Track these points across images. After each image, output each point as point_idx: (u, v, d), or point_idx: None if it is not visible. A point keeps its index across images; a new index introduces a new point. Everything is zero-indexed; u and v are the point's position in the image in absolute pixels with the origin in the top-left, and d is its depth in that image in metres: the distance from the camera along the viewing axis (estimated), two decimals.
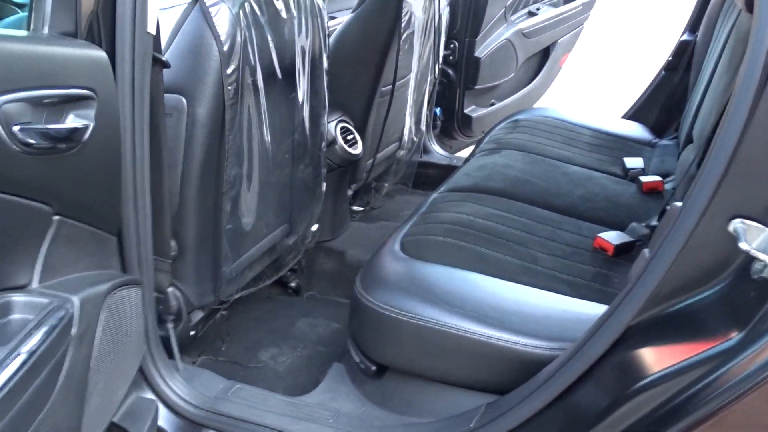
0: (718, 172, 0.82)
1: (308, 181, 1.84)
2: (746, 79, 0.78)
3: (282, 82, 1.59)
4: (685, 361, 0.84)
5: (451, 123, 3.05)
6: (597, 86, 5.08)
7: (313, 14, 1.66)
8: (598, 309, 1.29)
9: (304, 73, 1.65)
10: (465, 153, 3.34)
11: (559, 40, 3.25)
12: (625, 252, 1.55)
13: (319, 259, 2.17)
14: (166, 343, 1.46)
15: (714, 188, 0.83)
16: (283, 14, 1.54)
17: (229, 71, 1.38)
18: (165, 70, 1.27)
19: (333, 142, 2.04)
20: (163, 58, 1.24)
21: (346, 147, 2.07)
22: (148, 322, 1.32)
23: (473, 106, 3.07)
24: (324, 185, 1.92)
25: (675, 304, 0.89)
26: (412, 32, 2.20)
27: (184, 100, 1.36)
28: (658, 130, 2.43)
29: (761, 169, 0.81)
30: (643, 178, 1.87)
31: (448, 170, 2.89)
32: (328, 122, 2.02)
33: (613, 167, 2.04)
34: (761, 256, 0.79)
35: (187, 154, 1.39)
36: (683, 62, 2.35)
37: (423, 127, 2.59)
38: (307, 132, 1.74)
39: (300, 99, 1.67)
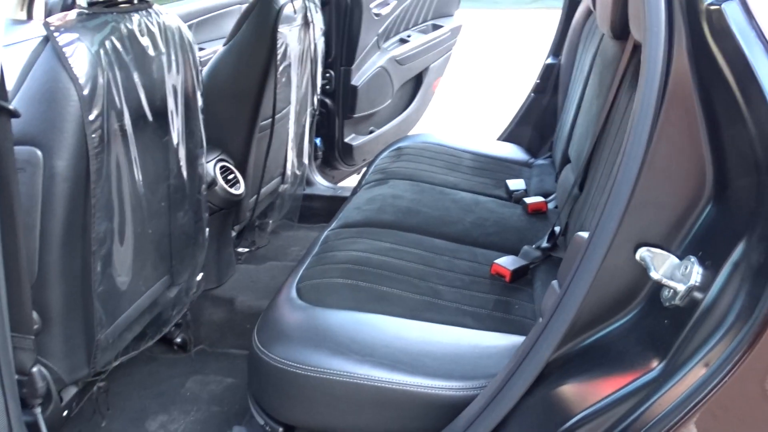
0: (622, 203, 0.82)
1: (189, 228, 1.70)
2: (642, 110, 0.79)
3: (154, 125, 1.45)
4: (611, 395, 0.83)
5: (332, 153, 3.00)
6: (469, 109, 5.28)
7: (183, 49, 1.54)
8: (505, 339, 1.28)
9: (177, 114, 1.53)
10: (348, 182, 3.31)
11: (431, 66, 3.32)
12: (521, 276, 1.56)
13: (205, 310, 2.01)
14: (34, 430, 1.27)
15: (619, 219, 0.83)
16: (150, 51, 1.41)
17: (91, 117, 1.23)
18: (14, 120, 1.10)
19: (213, 183, 1.91)
20: (10, 107, 1.08)
21: (227, 188, 1.95)
22: (9, 412, 1.13)
23: (353, 135, 3.04)
24: (207, 231, 1.78)
25: (592, 335, 0.89)
26: (289, 64, 2.13)
27: (39, 153, 1.19)
28: (532, 151, 2.53)
29: (661, 196, 0.82)
30: (527, 200, 1.92)
31: (333, 202, 2.84)
32: (207, 162, 1.89)
33: (498, 190, 2.08)
34: (670, 283, 0.80)
35: (45, 213, 1.22)
36: (550, 85, 2.46)
37: (306, 160, 2.52)
38: (185, 176, 1.60)
39: (175, 141, 1.54)
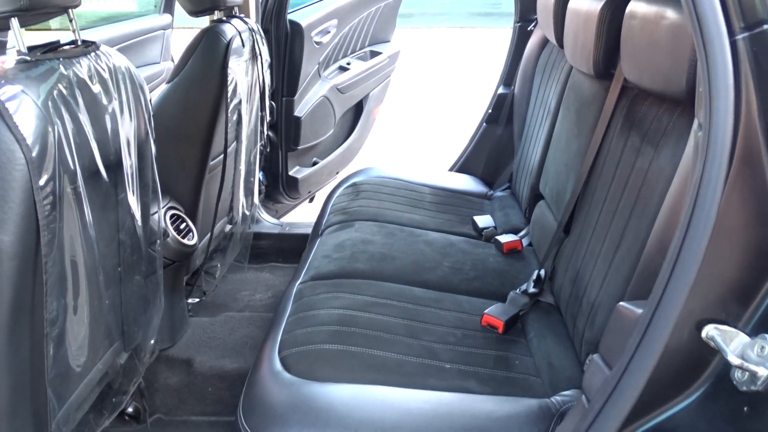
0: (688, 277, 0.76)
1: (144, 290, 1.51)
2: (710, 177, 0.73)
3: (107, 181, 1.27)
4: None
5: (276, 187, 2.85)
6: (411, 137, 5.23)
7: (135, 93, 1.37)
8: (516, 404, 1.20)
9: (131, 166, 1.35)
10: (292, 216, 3.17)
11: (371, 93, 3.24)
12: (513, 324, 1.49)
13: (160, 374, 1.82)
14: None
15: (685, 294, 0.76)
16: (103, 99, 1.24)
17: (41, 182, 1.05)
18: None
19: (164, 235, 1.73)
20: None
21: (179, 239, 1.77)
22: None
23: (297, 167, 2.91)
24: (162, 293, 1.60)
25: (651, 419, 0.81)
26: (240, 101, 1.98)
27: None
28: (487, 181, 2.49)
29: (729, 269, 0.76)
30: (501, 239, 1.86)
31: (282, 240, 2.70)
32: (155, 213, 1.71)
33: (466, 227, 2.01)
34: (750, 367, 0.73)
35: None
36: (503, 115, 2.44)
37: (256, 200, 2.36)
38: (139, 234, 1.43)
39: (129, 197, 1.36)
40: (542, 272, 1.60)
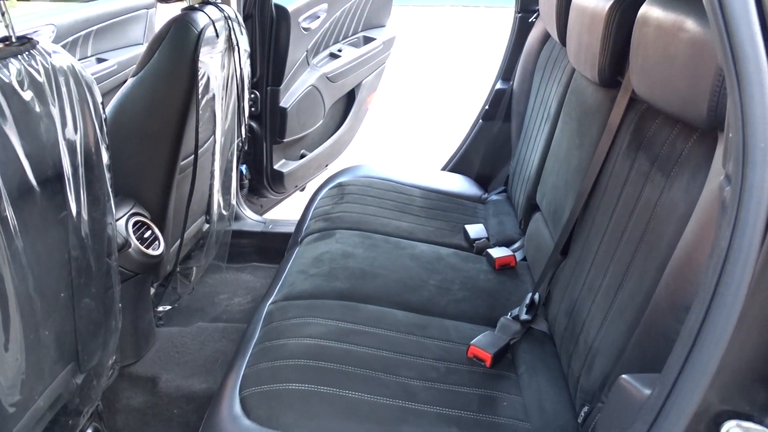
0: (709, 367, 0.62)
1: (97, 314, 1.37)
2: (739, 253, 0.58)
3: (44, 200, 1.13)
4: None
5: (260, 181, 2.70)
6: (404, 129, 5.01)
7: (81, 95, 1.21)
8: None
9: (77, 179, 1.20)
10: (278, 212, 3.02)
11: (364, 81, 3.07)
12: (502, 356, 1.35)
13: (122, 393, 1.69)
14: None
15: (704, 385, 0.62)
16: (36, 106, 1.08)
17: None
18: None
19: (125, 245, 1.58)
20: None
21: (143, 249, 1.63)
22: None
23: (283, 161, 2.75)
24: (119, 309, 1.46)
25: None
26: (213, 96, 1.82)
27: None
28: (482, 182, 2.34)
29: (755, 356, 0.62)
30: (493, 253, 1.71)
31: (264, 239, 2.55)
32: (117, 220, 1.57)
33: (456, 237, 1.87)
34: None
35: None
36: (501, 111, 2.28)
37: (233, 200, 2.21)
38: (90, 254, 1.28)
39: (74, 213, 1.21)
40: (536, 297, 1.46)
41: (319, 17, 2.64)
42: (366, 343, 1.30)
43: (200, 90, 1.72)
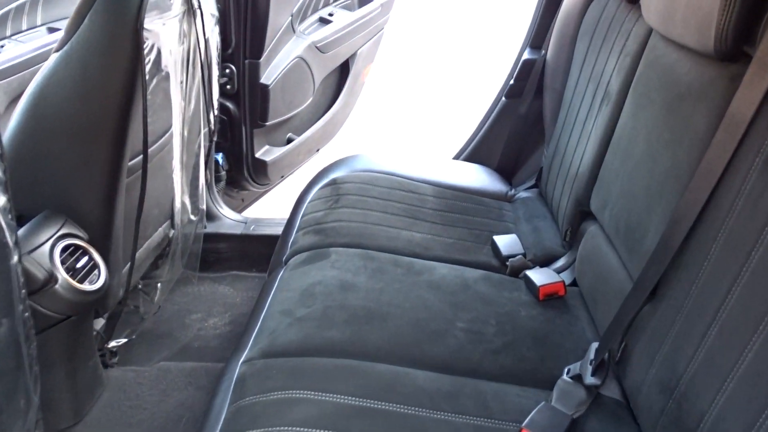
0: None
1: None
2: None
3: None
4: None
5: (239, 171, 2.29)
6: (408, 109, 4.48)
7: None
8: None
9: None
10: (262, 208, 2.62)
11: (359, 51, 2.64)
12: None
13: None
14: None
15: None
16: None
17: None
18: None
19: (49, 281, 1.18)
20: None
21: (75, 283, 1.22)
22: None
23: (266, 147, 2.34)
24: (36, 376, 1.07)
25: None
26: (166, 74, 1.40)
27: None
28: (506, 175, 1.94)
29: None
30: (536, 279, 1.32)
31: (244, 242, 2.15)
32: (35, 249, 1.17)
33: (483, 250, 1.47)
34: None
35: None
36: (530, 87, 1.86)
37: (203, 203, 1.81)
38: None
39: None
40: (606, 353, 1.07)
41: None
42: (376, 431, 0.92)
43: (148, 68, 1.30)
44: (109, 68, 1.26)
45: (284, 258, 1.44)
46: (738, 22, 0.85)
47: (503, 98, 1.97)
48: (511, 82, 1.93)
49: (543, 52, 1.81)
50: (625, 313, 1.04)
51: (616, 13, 1.41)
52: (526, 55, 1.91)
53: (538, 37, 1.88)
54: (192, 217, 1.79)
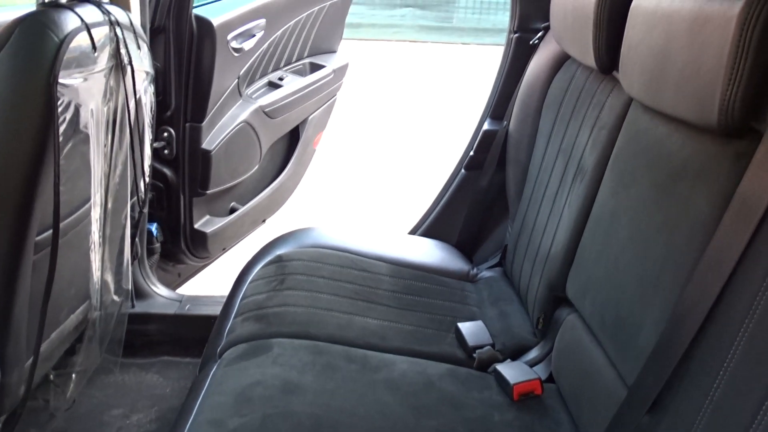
0: None
1: None
2: None
3: None
4: None
5: (176, 244, 2.08)
6: (357, 181, 4.32)
7: None
8: None
9: None
10: (200, 283, 2.40)
11: (310, 117, 2.51)
12: None
13: None
14: None
15: None
16: None
17: None
18: None
19: None
20: None
21: None
22: None
23: (207, 217, 2.15)
24: None
25: None
26: (85, 136, 1.22)
27: None
28: (467, 251, 1.80)
29: None
30: (509, 376, 1.15)
31: (179, 324, 1.93)
32: None
33: (446, 341, 1.31)
34: None
35: None
36: (491, 159, 1.75)
37: (127, 282, 1.59)
38: None
39: None
40: None
41: (254, 36, 2.08)
42: None
43: (62, 128, 1.12)
44: (16, 126, 1.08)
45: (219, 350, 1.24)
46: (746, 95, 0.74)
47: (462, 170, 1.86)
48: (471, 153, 1.82)
49: (504, 122, 1.72)
50: (620, 425, 0.88)
51: (586, 83, 1.32)
52: (486, 126, 1.81)
53: (499, 107, 1.79)
54: (115, 298, 1.57)
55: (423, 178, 4.11)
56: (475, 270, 1.66)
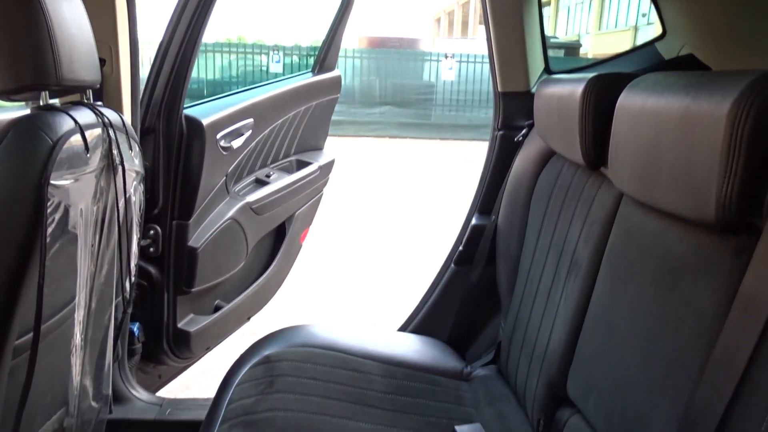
0: None
1: None
2: None
3: None
4: None
5: (157, 344, 2.01)
6: (344, 276, 4.30)
7: None
8: None
9: None
10: (181, 385, 2.31)
11: (297, 213, 2.52)
12: None
13: None
14: None
15: None
16: None
17: None
18: None
19: None
20: None
21: None
22: None
23: (191, 316, 2.09)
24: None
25: None
26: (73, 237, 1.20)
27: None
28: (459, 348, 1.76)
29: None
30: None
31: (158, 429, 1.83)
32: None
33: None
34: None
35: None
36: (481, 254, 1.75)
37: (108, 388, 1.52)
38: None
39: None
40: None
41: (242, 135, 2.11)
42: None
43: (50, 229, 1.10)
44: (3, 228, 1.06)
45: None
46: (742, 191, 0.75)
47: (452, 265, 1.85)
48: (461, 248, 1.82)
49: (493, 217, 1.73)
50: None
51: (573, 179, 1.35)
52: (474, 221, 1.82)
53: (486, 202, 1.81)
54: (93, 404, 1.49)
55: (410, 272, 4.09)
56: (468, 368, 1.62)
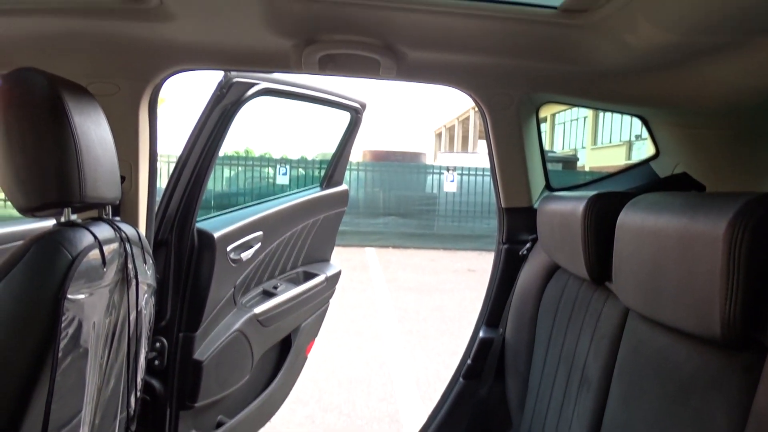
0: None
1: None
2: None
3: None
4: None
5: None
6: (350, 387, 4.18)
7: None
8: None
9: None
10: None
11: (302, 325, 2.52)
12: None
13: None
14: None
15: None
16: None
17: None
18: None
19: None
20: None
21: None
22: None
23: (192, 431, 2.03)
24: None
25: None
26: (84, 351, 1.21)
27: None
28: None
29: None
30: None
31: None
32: None
33: None
34: None
35: None
36: (489, 367, 1.73)
37: None
38: None
39: None
40: None
41: (252, 247, 2.16)
42: None
43: (63, 343, 1.11)
44: (16, 339, 1.07)
45: None
46: (745, 309, 0.77)
47: (461, 379, 1.83)
48: (469, 361, 1.81)
49: (501, 330, 1.73)
50: None
51: (579, 293, 1.37)
52: (482, 334, 1.82)
53: (493, 315, 1.82)
54: None
55: (415, 385, 3.99)
56: None
